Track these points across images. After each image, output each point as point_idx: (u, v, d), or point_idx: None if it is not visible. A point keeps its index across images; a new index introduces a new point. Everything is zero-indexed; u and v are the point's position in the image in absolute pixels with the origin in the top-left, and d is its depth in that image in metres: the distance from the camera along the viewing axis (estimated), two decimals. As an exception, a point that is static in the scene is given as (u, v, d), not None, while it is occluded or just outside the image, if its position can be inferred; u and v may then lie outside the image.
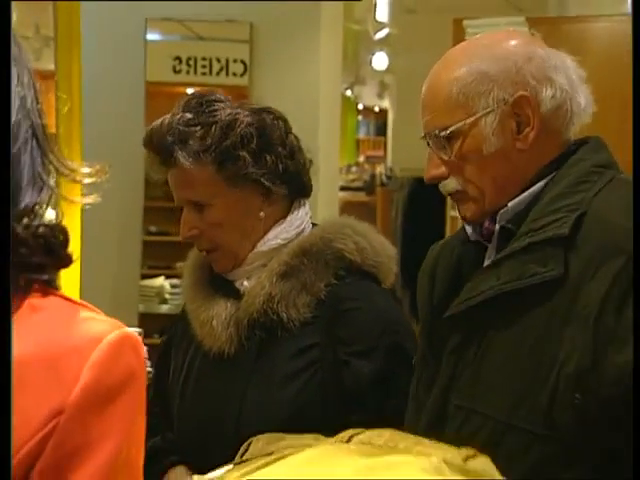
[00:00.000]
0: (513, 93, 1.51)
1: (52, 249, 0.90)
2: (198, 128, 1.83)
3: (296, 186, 1.90)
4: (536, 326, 1.45)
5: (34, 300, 0.88)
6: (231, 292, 1.89)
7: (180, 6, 5.15)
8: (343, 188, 8.66)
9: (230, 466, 1.34)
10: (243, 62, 5.12)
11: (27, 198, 0.89)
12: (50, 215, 0.93)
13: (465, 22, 4.39)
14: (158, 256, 5.46)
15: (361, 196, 9.05)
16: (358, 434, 1.40)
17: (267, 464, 1.34)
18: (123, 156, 5.11)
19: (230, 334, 1.83)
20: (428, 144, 1.58)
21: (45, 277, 0.90)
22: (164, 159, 1.84)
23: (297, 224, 1.91)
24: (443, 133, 1.53)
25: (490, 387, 1.49)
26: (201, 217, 1.85)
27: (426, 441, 1.33)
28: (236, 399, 1.81)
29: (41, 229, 0.89)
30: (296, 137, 1.93)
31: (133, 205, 5.21)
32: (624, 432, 1.35)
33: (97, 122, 4.75)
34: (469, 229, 1.62)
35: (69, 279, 3.99)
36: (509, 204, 1.53)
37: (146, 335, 3.47)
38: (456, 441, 1.12)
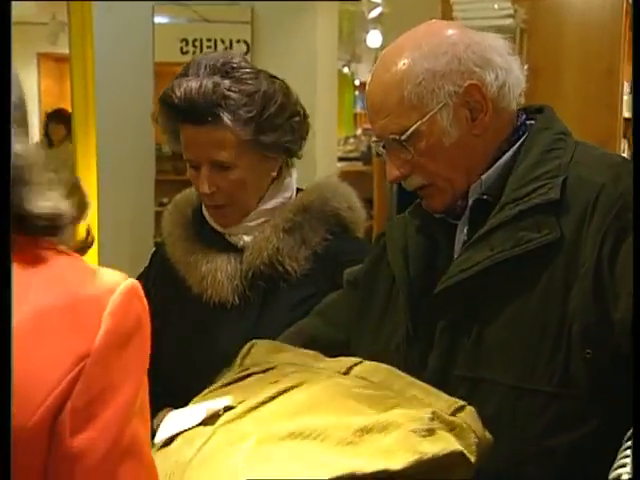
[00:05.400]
0: (462, 84, 1.47)
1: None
2: (243, 96, 1.80)
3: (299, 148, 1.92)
4: (537, 290, 1.40)
5: (42, 254, 0.88)
6: (228, 247, 1.87)
7: (186, -10, 5.08)
8: (341, 159, 8.58)
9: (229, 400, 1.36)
10: (246, 42, 5.04)
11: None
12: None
13: (452, -1, 4.32)
14: (170, 225, 5.46)
15: (358, 166, 8.93)
16: (356, 365, 1.40)
17: (269, 399, 1.32)
18: (135, 133, 5.09)
19: (236, 285, 1.82)
20: (383, 146, 1.52)
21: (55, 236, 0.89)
22: (198, 119, 1.78)
23: (294, 184, 1.92)
24: (404, 136, 1.48)
25: (496, 355, 1.43)
26: (224, 176, 1.81)
27: (418, 383, 1.36)
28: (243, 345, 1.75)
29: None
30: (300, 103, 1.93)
31: (145, 179, 5.15)
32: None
33: (109, 100, 4.71)
34: None
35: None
36: (482, 177, 1.49)
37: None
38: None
